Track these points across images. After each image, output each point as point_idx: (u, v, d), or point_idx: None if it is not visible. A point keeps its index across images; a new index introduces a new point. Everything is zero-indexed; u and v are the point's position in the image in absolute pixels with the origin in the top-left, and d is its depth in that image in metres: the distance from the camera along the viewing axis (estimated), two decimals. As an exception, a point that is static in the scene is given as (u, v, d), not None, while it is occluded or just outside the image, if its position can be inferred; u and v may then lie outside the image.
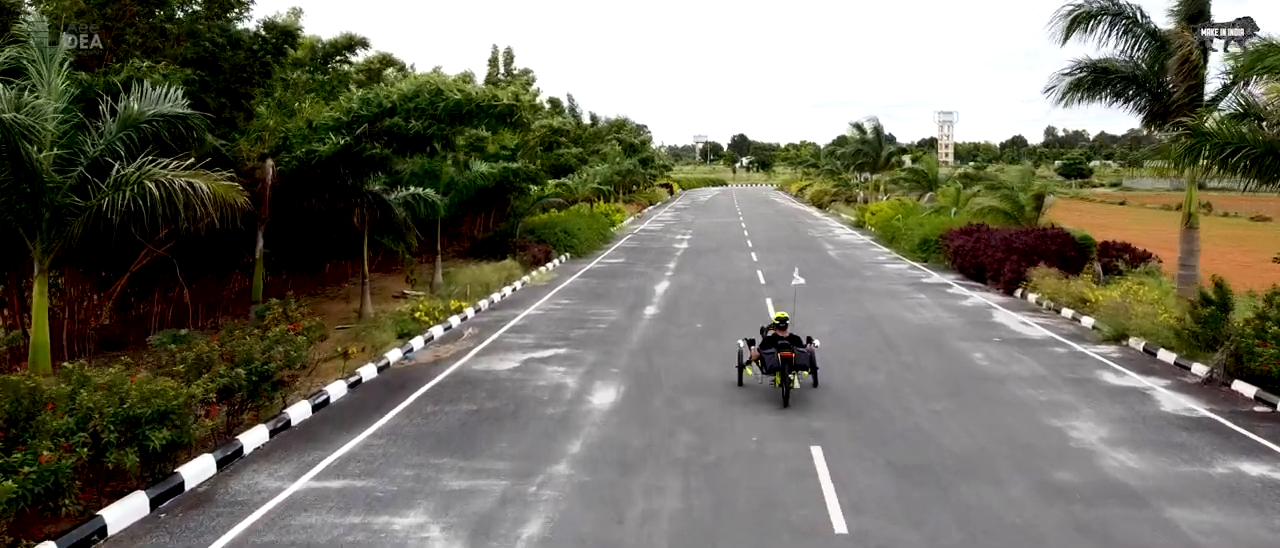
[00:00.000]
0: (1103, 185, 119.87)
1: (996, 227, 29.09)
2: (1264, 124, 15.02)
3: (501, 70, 39.08)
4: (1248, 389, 13.41)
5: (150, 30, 14.88)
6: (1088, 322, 19.26)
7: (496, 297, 23.22)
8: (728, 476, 10.00)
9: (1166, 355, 15.82)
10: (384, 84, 19.41)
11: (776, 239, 43.31)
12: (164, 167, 10.76)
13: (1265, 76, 15.41)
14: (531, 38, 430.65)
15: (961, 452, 10.83)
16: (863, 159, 69.87)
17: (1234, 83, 17.88)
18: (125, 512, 8.74)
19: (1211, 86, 18.58)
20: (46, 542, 7.85)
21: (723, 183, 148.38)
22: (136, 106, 11.33)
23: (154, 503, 9.08)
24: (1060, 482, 9.80)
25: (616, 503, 9.22)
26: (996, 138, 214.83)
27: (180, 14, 15.43)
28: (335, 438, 11.36)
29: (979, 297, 23.80)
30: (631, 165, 62.48)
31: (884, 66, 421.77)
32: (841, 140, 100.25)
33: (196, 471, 9.84)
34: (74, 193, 10.80)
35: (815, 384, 13.71)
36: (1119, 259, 23.77)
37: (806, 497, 9.40)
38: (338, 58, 20.70)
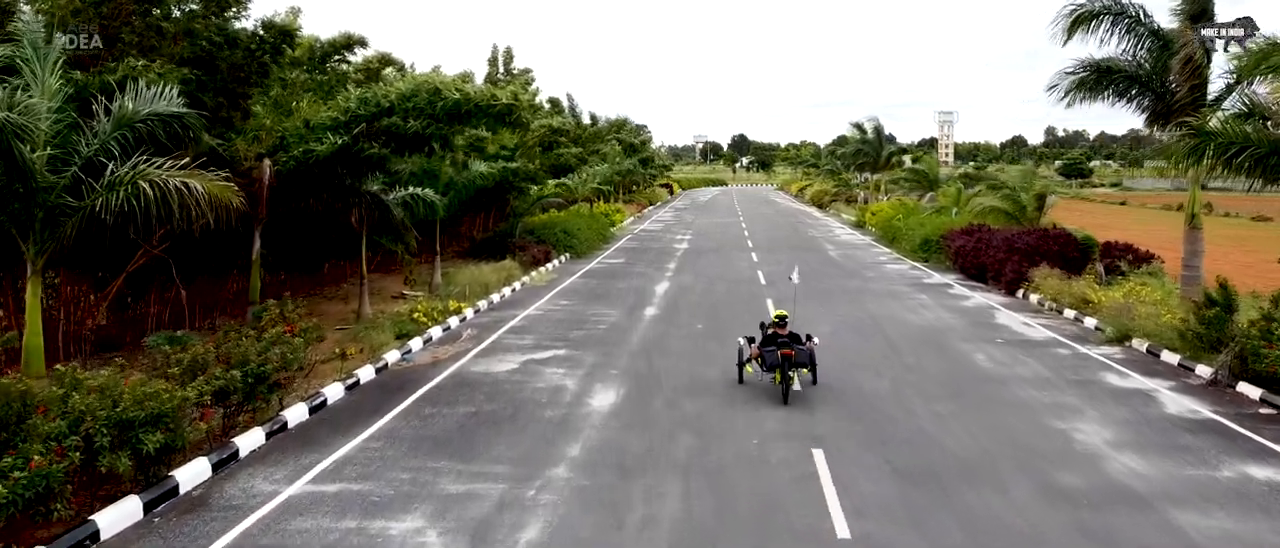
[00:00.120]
0: (1103, 185, 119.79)
1: (998, 227, 28.97)
2: (1269, 123, 14.93)
3: (501, 70, 38.97)
4: (1253, 391, 13.29)
5: (146, 29, 14.78)
6: (1090, 323, 19.15)
7: (496, 297, 23.11)
8: (729, 479, 9.88)
9: (1170, 357, 15.71)
10: (383, 83, 19.31)
11: (777, 239, 43.20)
12: (159, 166, 10.65)
13: (1270, 76, 15.33)
14: (531, 38, 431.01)
15: (965, 455, 10.72)
16: (863, 159, 69.75)
17: (1237, 82, 17.82)
18: (118, 516, 8.62)
19: (1214, 86, 18.52)
20: (37, 547, 7.75)
21: (723, 183, 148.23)
22: (131, 106, 11.22)
23: (147, 507, 8.97)
24: (1064, 485, 9.69)
25: (616, 507, 9.11)
26: (996, 138, 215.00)
27: (177, 12, 15.34)
28: (332, 441, 11.25)
29: (981, 297, 23.69)
30: (631, 165, 62.37)
31: (884, 66, 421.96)
32: (842, 140, 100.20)
33: (191, 474, 9.73)
34: (67, 193, 10.68)
35: (814, 382, 13.79)
36: (1121, 260, 23.65)
37: (808, 501, 9.29)
38: (336, 57, 20.60)
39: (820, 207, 73.63)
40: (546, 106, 45.74)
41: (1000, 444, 11.13)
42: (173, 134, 11.75)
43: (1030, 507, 9.10)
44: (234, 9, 15.70)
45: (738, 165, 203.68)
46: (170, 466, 9.58)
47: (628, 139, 64.31)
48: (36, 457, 7.85)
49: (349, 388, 13.74)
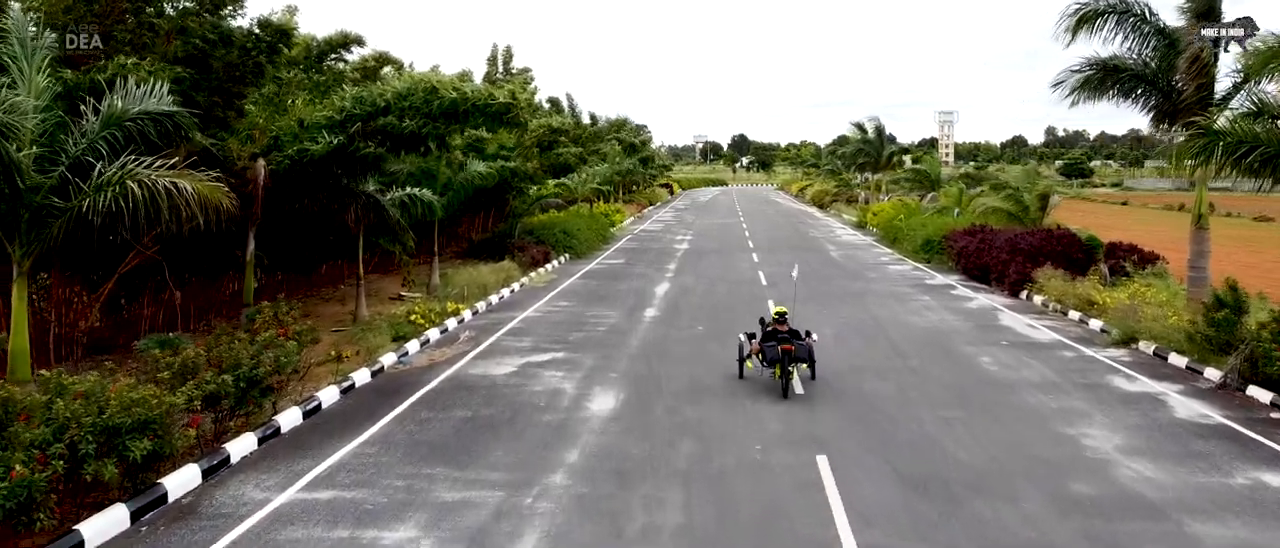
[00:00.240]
0: (1104, 185, 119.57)
1: (1001, 227, 28.74)
2: (1279, 122, 14.69)
3: (500, 69, 38.75)
4: (1263, 395, 13.06)
5: (139, 27, 14.56)
6: (1095, 324, 18.92)
7: (494, 299, 22.88)
8: (731, 487, 9.65)
9: (1178, 359, 15.47)
10: (380, 83, 19.09)
11: (778, 240, 42.97)
12: (148, 166, 10.41)
13: (1279, 75, 15.11)
14: (531, 38, 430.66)
15: (972, 462, 10.49)
16: (864, 159, 69.47)
17: (1244, 81, 17.58)
18: (104, 525, 8.39)
19: (1222, 85, 18.26)
20: (19, 559, 7.53)
21: (723, 183, 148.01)
22: (120, 104, 10.99)
23: (135, 516, 8.74)
24: (1075, 494, 9.46)
25: (615, 516, 8.88)
26: (996, 138, 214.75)
27: (170, 10, 15.12)
28: (325, 446, 11.01)
29: (984, 299, 23.46)
30: (631, 165, 62.20)
31: (884, 66, 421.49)
32: (842, 140, 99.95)
33: (181, 481, 9.49)
34: (54, 194, 10.45)
35: (813, 377, 13.99)
36: (1126, 260, 23.41)
37: (813, 510, 9.05)
38: (333, 56, 20.37)
39: (821, 207, 73.41)
40: (546, 106, 45.56)
41: (1008, 451, 10.90)
42: (164, 133, 11.53)
43: (1041, 516, 8.86)
44: (229, 7, 15.48)
45: (738, 165, 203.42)
46: (159, 473, 9.36)
47: (628, 139, 64.10)
48: (18, 466, 7.62)
49: (344, 391, 13.52)
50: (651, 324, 19.63)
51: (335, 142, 15.40)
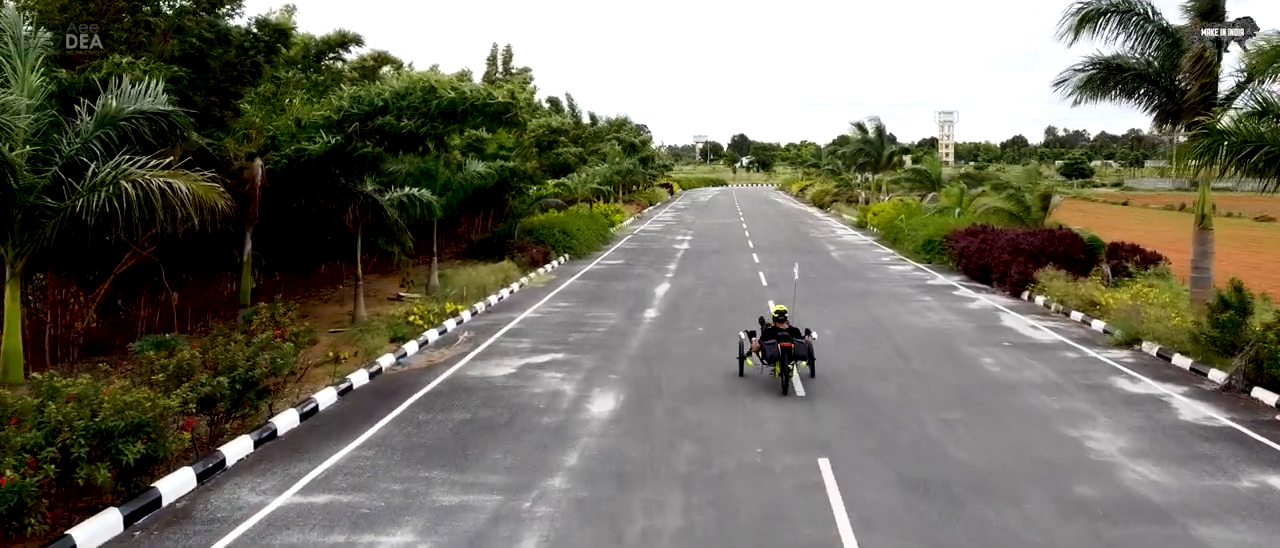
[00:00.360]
0: (1104, 185, 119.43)
1: (1002, 227, 28.64)
2: (1284, 122, 14.59)
3: (500, 69, 38.63)
4: (1269, 397, 12.95)
5: (135, 26, 14.45)
6: (1098, 325, 18.81)
7: (493, 299, 22.78)
8: (732, 490, 9.54)
9: (1182, 361, 15.36)
10: (379, 82, 18.97)
11: (778, 240, 42.86)
12: (142, 166, 10.30)
13: (1283, 74, 15.03)
14: (531, 38, 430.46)
15: (975, 464, 10.38)
16: (864, 159, 69.34)
17: (1248, 80, 17.48)
18: (97, 530, 8.28)
19: (1225, 85, 18.16)
20: (10, 564, 7.42)
21: (723, 183, 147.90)
22: (114, 103, 10.88)
23: (128, 520, 8.63)
24: (1080, 497, 9.35)
25: (615, 520, 8.77)
26: (996, 138, 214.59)
27: (166, 9, 15.00)
28: (322, 449, 10.91)
29: (986, 299, 23.35)
30: (631, 165, 62.10)
31: (884, 66, 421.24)
32: (843, 140, 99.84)
33: (175, 485, 9.39)
34: (48, 194, 10.34)
35: (812, 374, 14.11)
36: (1129, 261, 23.30)
37: (815, 513, 8.94)
38: (331, 55, 20.25)
39: (821, 207, 73.29)
40: (545, 106, 45.44)
41: (1011, 453, 10.79)
42: (159, 132, 11.42)
43: (1045, 520, 8.75)
44: (226, 6, 15.36)
45: (738, 165, 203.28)
46: (153, 476, 9.25)
47: (628, 139, 64.01)
48: (9, 470, 7.51)
49: (341, 393, 13.41)
50: (651, 325, 19.52)
51: (333, 141, 15.30)
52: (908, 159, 76.65)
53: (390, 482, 9.79)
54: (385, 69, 23.56)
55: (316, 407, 12.57)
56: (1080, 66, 19.07)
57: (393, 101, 15.83)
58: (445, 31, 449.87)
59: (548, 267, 29.71)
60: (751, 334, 14.37)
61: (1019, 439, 11.34)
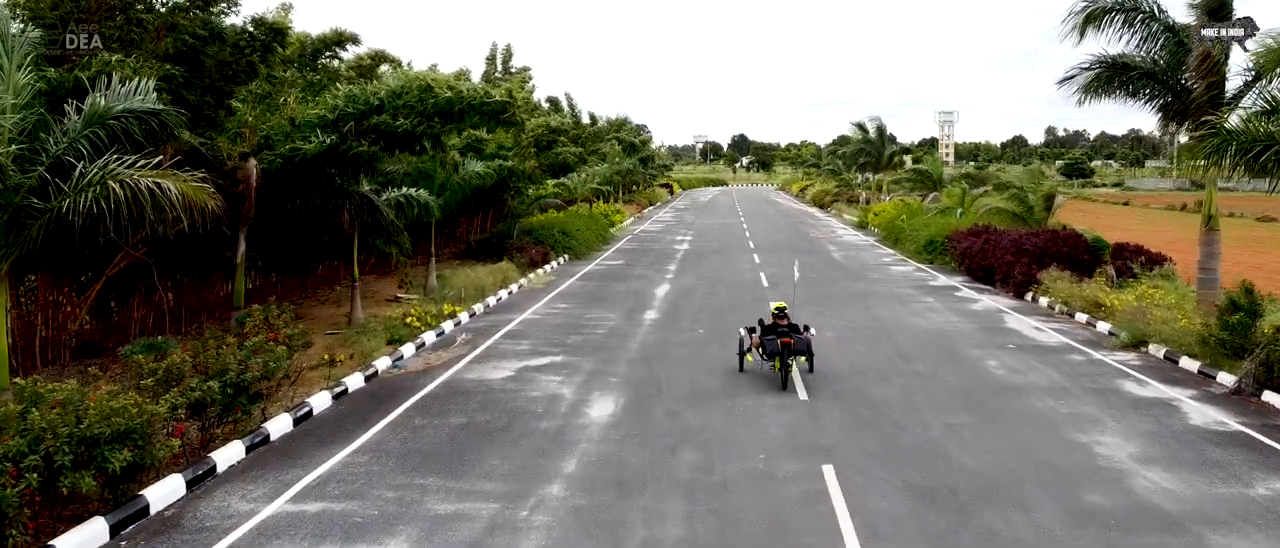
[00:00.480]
0: (1105, 185, 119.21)
1: (1004, 228, 28.41)
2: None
3: (500, 68, 38.36)
4: (1280, 401, 12.74)
5: (128, 23, 14.21)
6: (1103, 327, 18.58)
7: (492, 300, 22.55)
8: (734, 498, 9.32)
9: (1189, 363, 15.13)
10: (376, 81, 18.73)
11: (779, 241, 42.62)
12: (130, 166, 10.06)
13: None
14: (531, 38, 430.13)
15: (982, 471, 10.15)
16: (865, 159, 69.08)
17: (1255, 79, 17.26)
18: (81, 540, 8.07)
19: (1233, 83, 17.93)
20: (-10, 577, 7.20)
21: (723, 183, 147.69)
22: (103, 102, 10.64)
23: (114, 529, 8.41)
24: (1090, 505, 9.12)
25: (614, 529, 8.55)
26: (996, 138, 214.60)
27: (159, 6, 14.77)
28: (316, 455, 10.68)
29: (989, 300, 23.13)
30: (631, 165, 61.86)
31: (884, 66, 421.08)
32: (843, 140, 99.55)
33: (164, 493, 9.16)
34: (34, 194, 10.10)
35: (811, 370, 14.28)
36: (1133, 262, 23.07)
37: (819, 521, 8.72)
38: (327, 54, 20.02)
39: (822, 207, 73.06)
40: (545, 105, 45.20)
41: (1019, 459, 10.56)
42: (149, 132, 11.17)
43: (1055, 529, 8.52)
44: (221, 4, 15.12)
45: (738, 165, 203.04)
46: (141, 484, 9.02)
47: (627, 138, 63.77)
48: (-10, 479, 7.29)
49: (336, 397, 13.19)
50: (651, 327, 19.30)
51: (328, 141, 15.06)
52: (908, 159, 76.36)
53: (384, 489, 9.56)
54: (383, 68, 23.32)
55: (311, 411, 12.35)
56: (1087, 65, 18.85)
57: (388, 100, 15.60)
58: (445, 31, 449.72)
59: (547, 267, 29.48)
60: (751, 330, 14.61)
61: (1026, 444, 11.12)
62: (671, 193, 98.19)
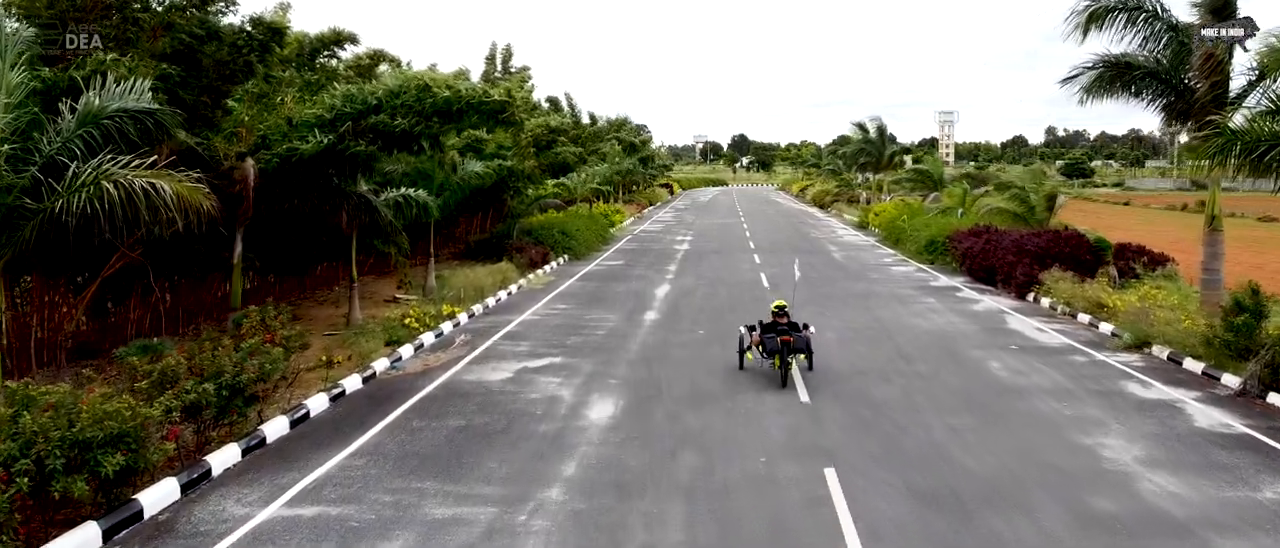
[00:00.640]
0: (1105, 185, 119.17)
1: (1005, 228, 28.31)
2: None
3: (499, 68, 38.25)
4: (1285, 403, 12.62)
5: (124, 21, 14.10)
6: (1106, 328, 18.46)
7: (491, 301, 22.44)
8: (735, 502, 9.21)
9: (1193, 365, 15.02)
10: (375, 80, 18.61)
11: (779, 240, 42.52)
12: (124, 166, 9.95)
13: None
14: (531, 38, 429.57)
15: (986, 474, 10.04)
16: (865, 159, 68.99)
17: (1259, 79, 17.16)
18: (74, 545, 7.96)
19: (1237, 83, 17.83)
20: (-21, 583, 7.09)
21: (723, 183, 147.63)
22: (97, 101, 10.53)
23: (107, 534, 8.30)
24: (1096, 510, 9.01)
25: (613, 532, 8.44)
26: (996, 138, 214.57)
27: (156, 5, 14.66)
28: (312, 458, 10.57)
29: (990, 301, 23.02)
30: (631, 165, 61.75)
31: (884, 66, 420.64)
32: (843, 140, 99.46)
33: (158, 496, 9.05)
34: (26, 194, 9.99)
35: (810, 367, 14.37)
36: (1136, 262, 22.96)
37: (821, 526, 8.61)
38: (325, 53, 19.88)
39: (822, 207, 72.96)
40: (544, 105, 45.10)
41: (1023, 462, 10.45)
42: (144, 132, 11.06)
43: (1061, 535, 8.41)
44: (218, 3, 15.01)
45: (738, 165, 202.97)
46: (135, 487, 8.91)
47: (627, 138, 63.69)
48: (-22, 485, 7.18)
49: (334, 399, 13.07)
50: (651, 328, 19.19)
51: (325, 141, 14.94)
52: (909, 159, 76.27)
53: (381, 493, 9.45)
54: (382, 67, 23.19)
55: (308, 413, 12.24)
56: (1090, 64, 18.75)
57: (386, 100, 15.49)
58: (444, 31, 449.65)
59: (547, 268, 29.38)
60: (752, 329, 14.75)
61: (1029, 447, 11.01)
62: (671, 193, 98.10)
